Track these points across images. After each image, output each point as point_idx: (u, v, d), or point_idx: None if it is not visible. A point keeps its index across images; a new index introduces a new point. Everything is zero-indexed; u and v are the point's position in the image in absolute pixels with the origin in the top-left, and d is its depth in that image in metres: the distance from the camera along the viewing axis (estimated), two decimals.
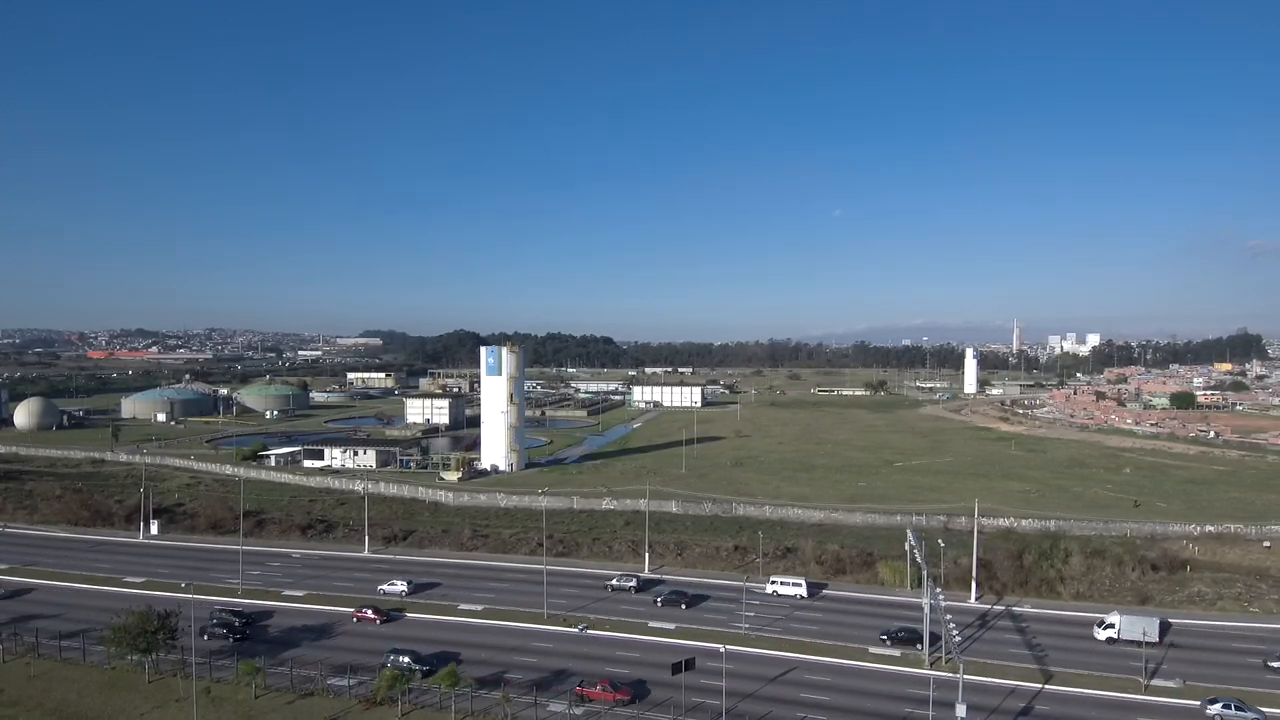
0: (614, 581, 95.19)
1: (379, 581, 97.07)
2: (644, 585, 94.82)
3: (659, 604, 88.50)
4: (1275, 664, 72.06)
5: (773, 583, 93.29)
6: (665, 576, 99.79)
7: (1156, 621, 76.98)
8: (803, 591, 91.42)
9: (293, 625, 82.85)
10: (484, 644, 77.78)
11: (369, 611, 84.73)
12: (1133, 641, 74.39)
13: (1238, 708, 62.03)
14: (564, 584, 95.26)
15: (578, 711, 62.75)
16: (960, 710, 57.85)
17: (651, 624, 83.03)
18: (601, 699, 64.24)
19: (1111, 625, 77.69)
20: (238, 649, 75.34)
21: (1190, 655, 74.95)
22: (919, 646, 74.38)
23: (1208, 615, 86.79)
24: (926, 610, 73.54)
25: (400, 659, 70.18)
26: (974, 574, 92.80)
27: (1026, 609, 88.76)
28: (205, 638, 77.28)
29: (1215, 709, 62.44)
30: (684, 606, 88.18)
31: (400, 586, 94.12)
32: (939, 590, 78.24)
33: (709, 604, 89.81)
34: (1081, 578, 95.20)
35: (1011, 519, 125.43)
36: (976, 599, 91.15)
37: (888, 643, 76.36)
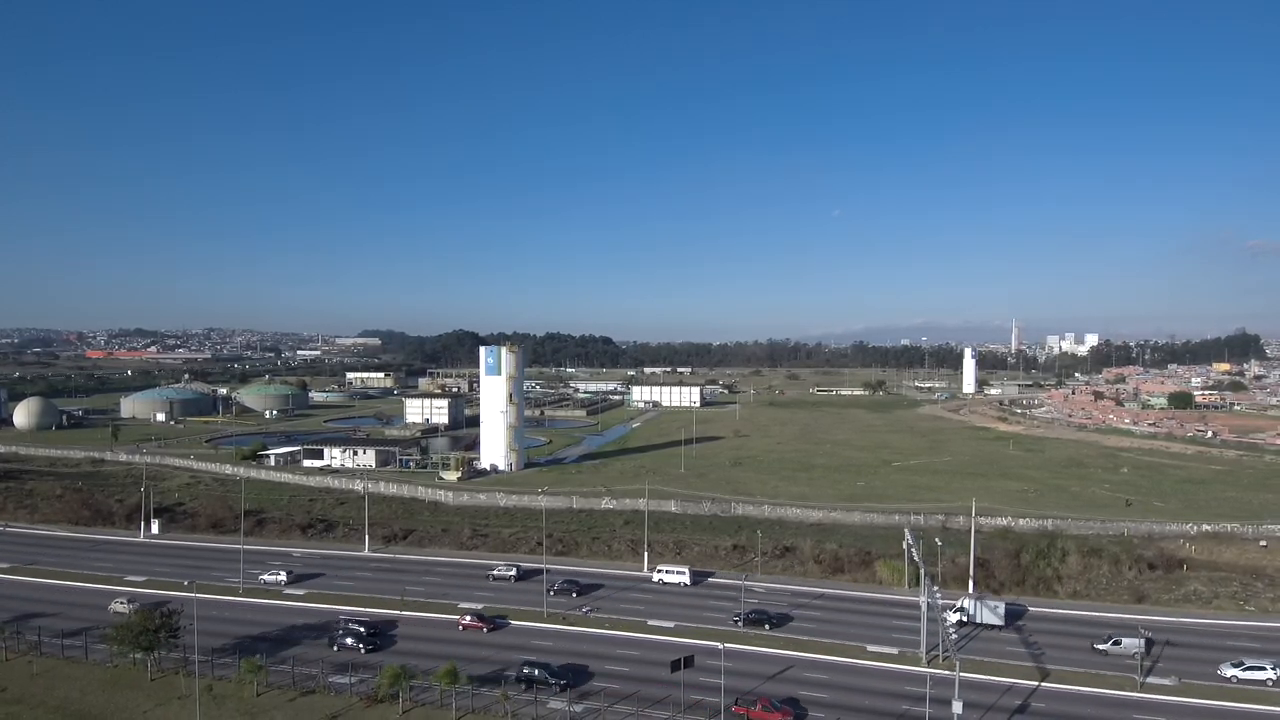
0: (495, 571, 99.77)
1: (380, 580, 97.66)
2: (524, 575, 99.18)
3: (551, 593, 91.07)
4: (1101, 646, 75.12)
5: (658, 571, 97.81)
6: (561, 566, 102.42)
7: (1002, 606, 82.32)
8: (686, 580, 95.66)
9: (415, 634, 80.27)
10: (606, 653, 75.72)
11: (471, 619, 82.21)
12: (982, 624, 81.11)
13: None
14: (441, 573, 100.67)
15: (577, 709, 63.17)
16: (957, 707, 58.28)
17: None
18: (760, 719, 61.14)
19: (962, 609, 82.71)
20: (367, 660, 72.24)
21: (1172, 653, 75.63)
22: (767, 627, 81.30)
23: (1193, 615, 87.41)
24: (924, 609, 74.00)
25: (533, 671, 67.78)
26: (971, 573, 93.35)
27: (1024, 608, 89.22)
28: (335, 649, 75.51)
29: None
30: (575, 595, 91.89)
31: (281, 576, 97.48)
32: (936, 589, 78.68)
33: (602, 592, 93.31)
34: (1078, 577, 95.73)
35: (1009, 518, 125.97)
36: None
37: (739, 624, 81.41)
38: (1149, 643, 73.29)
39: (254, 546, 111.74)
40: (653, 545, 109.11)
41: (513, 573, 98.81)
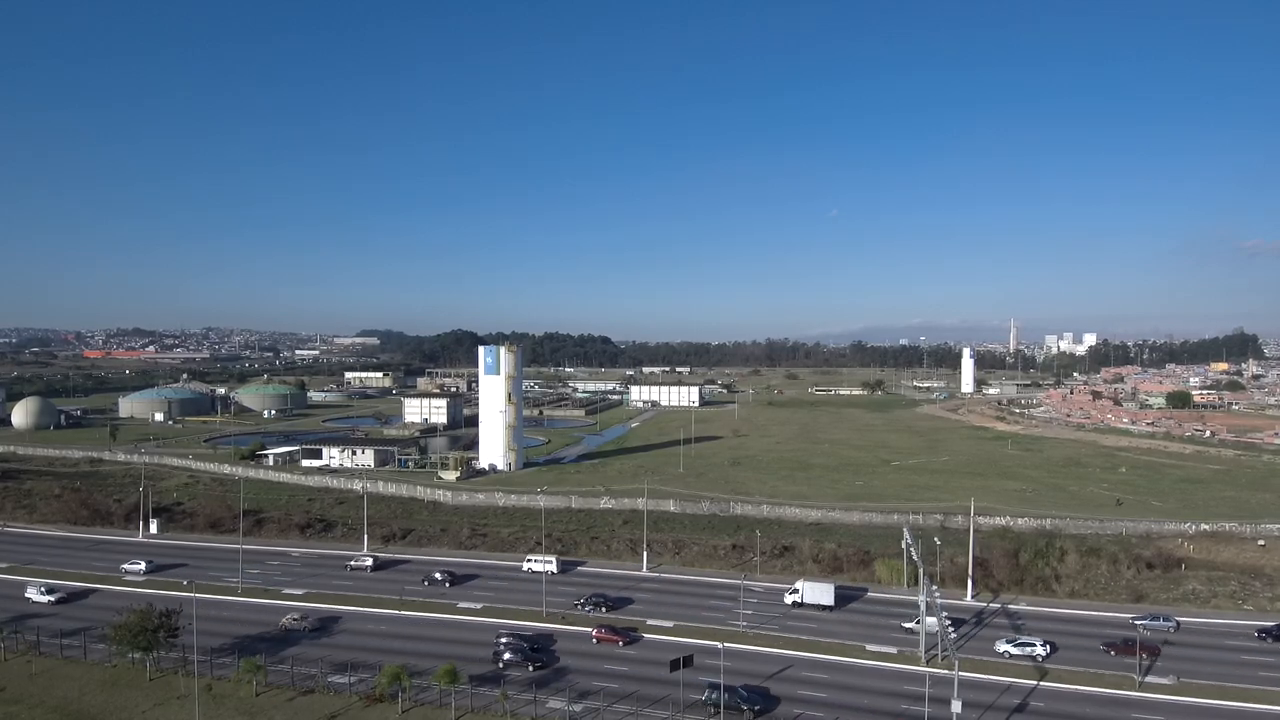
0: (353, 562, 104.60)
1: (377, 582, 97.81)
2: (380, 565, 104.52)
3: (426, 584, 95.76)
4: (908, 625, 79.79)
5: (528, 560, 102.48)
6: (436, 558, 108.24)
7: (832, 588, 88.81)
8: (553, 568, 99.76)
9: (571, 649, 76.89)
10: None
11: (606, 630, 78.90)
12: (814, 605, 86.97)
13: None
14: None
15: (576, 709, 63.20)
16: (956, 706, 58.37)
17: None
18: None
19: (797, 590, 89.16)
20: (534, 679, 69.01)
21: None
22: (604, 609, 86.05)
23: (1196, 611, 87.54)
24: (923, 608, 74.09)
25: (715, 694, 62.51)
26: (970, 572, 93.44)
27: (1022, 607, 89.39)
28: (500, 665, 71.97)
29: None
30: (449, 585, 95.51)
31: (140, 565, 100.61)
32: (935, 588, 78.83)
33: (476, 581, 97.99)
34: (1077, 576, 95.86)
35: (1008, 518, 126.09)
36: (972, 597, 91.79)
37: (587, 609, 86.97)
38: (952, 622, 79.02)
39: (252, 546, 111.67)
40: (652, 545, 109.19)
41: (369, 563, 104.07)
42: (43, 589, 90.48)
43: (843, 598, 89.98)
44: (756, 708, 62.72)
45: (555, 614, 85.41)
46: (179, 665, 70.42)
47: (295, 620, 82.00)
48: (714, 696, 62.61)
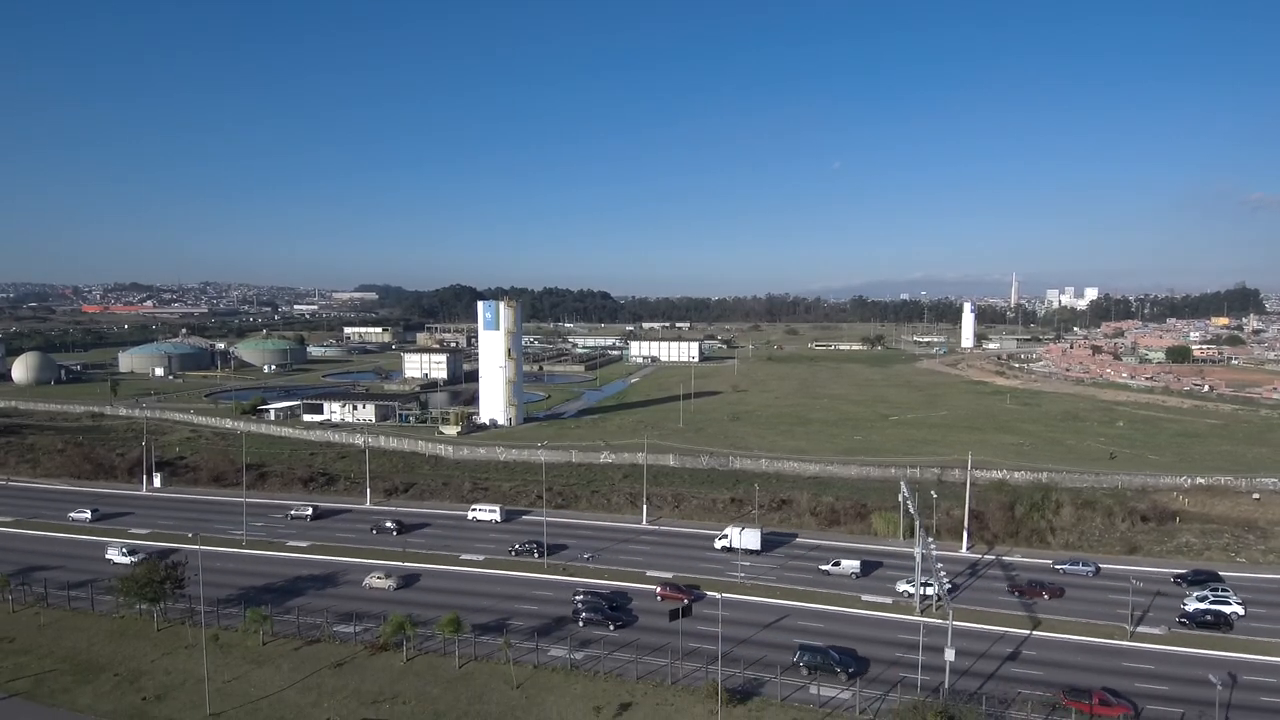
0: (293, 512, 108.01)
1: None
2: (321, 514, 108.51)
3: (375, 532, 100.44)
4: (824, 567, 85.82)
5: (473, 510, 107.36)
6: (386, 509, 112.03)
7: (758, 533, 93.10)
8: (497, 517, 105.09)
9: (639, 606, 76.42)
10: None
11: (670, 589, 78.15)
12: (742, 549, 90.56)
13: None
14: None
15: (577, 656, 64.32)
16: (949, 654, 59.39)
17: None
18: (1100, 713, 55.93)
19: (726, 536, 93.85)
20: (617, 637, 68.42)
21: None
22: (536, 554, 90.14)
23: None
24: (919, 559, 74.98)
25: (811, 657, 61.82)
26: (966, 525, 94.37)
27: (1017, 558, 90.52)
28: (580, 624, 71.11)
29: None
30: (396, 533, 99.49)
31: (85, 514, 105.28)
32: (931, 540, 79.69)
33: (427, 530, 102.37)
34: (1071, 528, 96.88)
35: (1004, 471, 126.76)
36: (968, 549, 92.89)
37: (513, 553, 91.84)
38: (865, 565, 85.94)
39: (256, 500, 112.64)
40: (651, 498, 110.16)
41: (309, 512, 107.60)
42: (123, 550, 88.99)
43: (771, 543, 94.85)
44: (851, 669, 61.38)
45: (496, 559, 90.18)
46: (186, 616, 71.58)
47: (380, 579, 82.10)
48: (808, 659, 61.75)
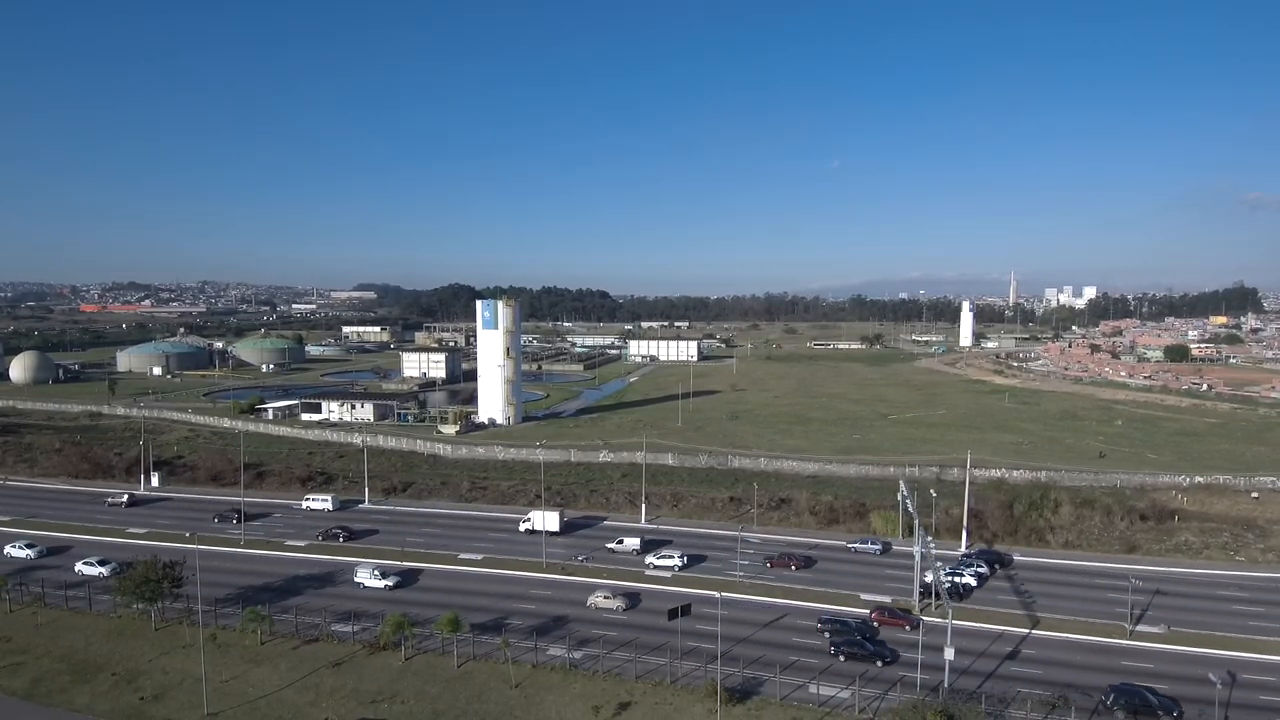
0: (110, 499, 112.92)
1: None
2: (135, 501, 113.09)
3: (216, 520, 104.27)
4: (610, 545, 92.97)
5: (307, 500, 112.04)
6: (224, 497, 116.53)
7: (557, 515, 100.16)
8: (329, 506, 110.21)
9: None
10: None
11: (887, 613, 72.49)
12: (544, 531, 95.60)
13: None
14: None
15: (576, 655, 64.21)
16: (949, 653, 59.30)
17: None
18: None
19: (529, 519, 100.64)
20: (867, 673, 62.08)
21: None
22: (342, 539, 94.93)
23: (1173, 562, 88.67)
24: (918, 558, 74.89)
25: (1124, 699, 55.86)
26: (965, 523, 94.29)
27: (1016, 557, 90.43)
28: (840, 657, 64.12)
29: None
30: (235, 521, 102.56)
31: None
32: (930, 539, 79.58)
33: (263, 520, 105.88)
34: (1070, 527, 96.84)
35: (1003, 470, 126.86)
36: (967, 547, 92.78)
37: (320, 539, 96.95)
38: (644, 542, 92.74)
39: (254, 499, 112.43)
40: (650, 497, 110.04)
41: (125, 499, 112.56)
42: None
43: (575, 526, 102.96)
44: (1175, 714, 55.21)
45: (317, 545, 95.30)
46: (184, 615, 71.33)
47: None
48: (1122, 701, 56.24)
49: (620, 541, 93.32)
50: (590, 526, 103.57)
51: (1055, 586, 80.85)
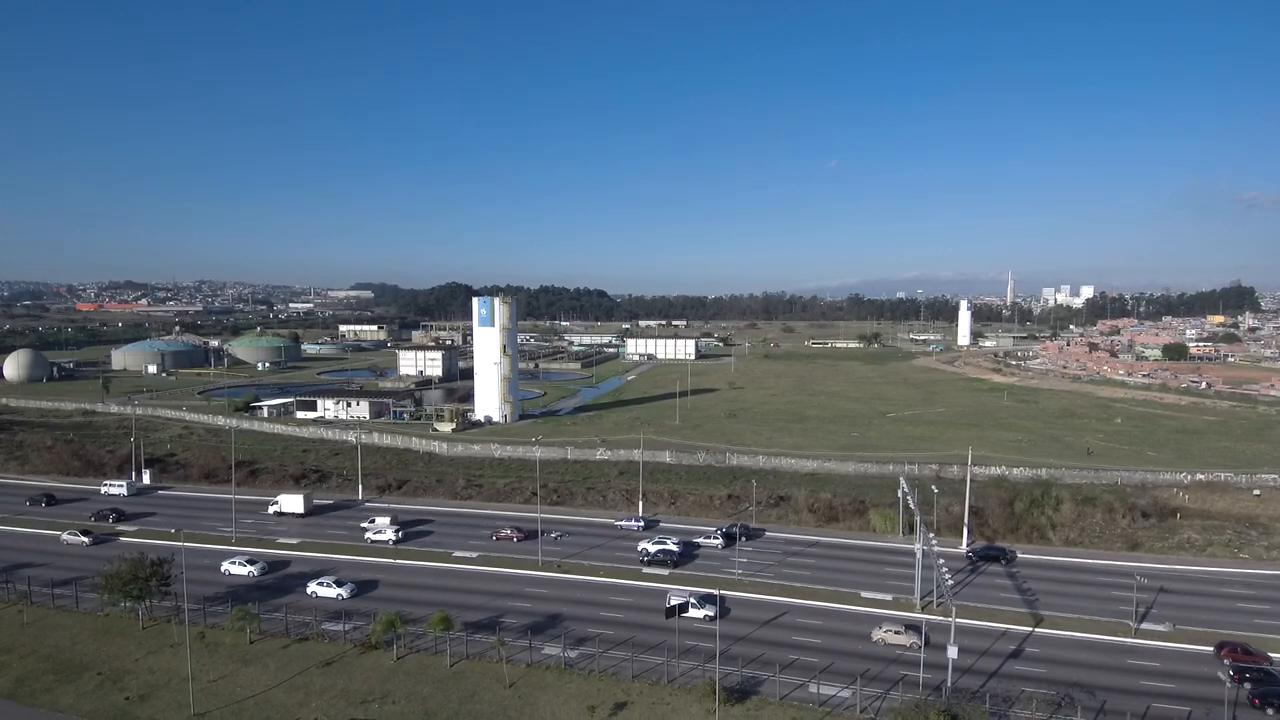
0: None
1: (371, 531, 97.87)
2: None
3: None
4: (363, 525, 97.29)
5: (274, 503, 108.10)
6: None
7: (301, 499, 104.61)
8: (299, 509, 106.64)
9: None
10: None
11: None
12: (289, 513, 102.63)
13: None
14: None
15: (571, 655, 63.05)
16: (952, 652, 58.25)
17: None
18: None
19: (277, 503, 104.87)
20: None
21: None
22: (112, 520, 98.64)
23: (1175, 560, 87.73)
24: (919, 556, 73.83)
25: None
26: (966, 521, 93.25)
27: (1018, 555, 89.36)
28: (1269, 710, 55.46)
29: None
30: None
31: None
32: (931, 536, 78.54)
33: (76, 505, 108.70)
34: (1072, 524, 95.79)
35: (1003, 467, 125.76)
36: (968, 545, 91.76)
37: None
38: (396, 524, 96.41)
39: (246, 497, 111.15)
40: (647, 495, 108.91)
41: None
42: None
43: (326, 508, 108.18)
44: None
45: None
46: (171, 614, 70.08)
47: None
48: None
49: (373, 521, 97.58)
50: (347, 508, 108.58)
51: (1058, 584, 79.79)
